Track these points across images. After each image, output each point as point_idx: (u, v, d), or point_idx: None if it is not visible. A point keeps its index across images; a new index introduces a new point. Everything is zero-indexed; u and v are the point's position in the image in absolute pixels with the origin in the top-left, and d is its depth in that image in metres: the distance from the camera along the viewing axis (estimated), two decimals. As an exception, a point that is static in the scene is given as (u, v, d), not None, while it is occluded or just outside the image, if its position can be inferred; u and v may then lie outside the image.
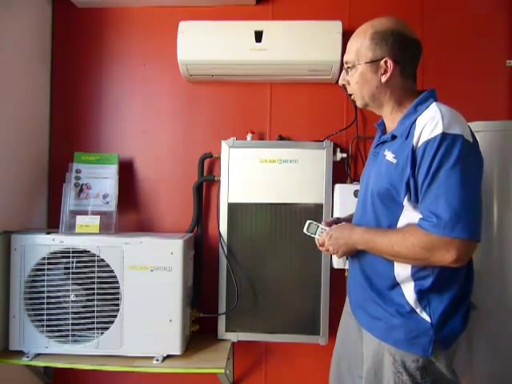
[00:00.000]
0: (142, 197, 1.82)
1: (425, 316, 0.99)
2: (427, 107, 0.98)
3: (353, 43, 1.08)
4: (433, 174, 0.91)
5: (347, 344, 1.22)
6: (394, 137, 1.04)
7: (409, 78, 1.05)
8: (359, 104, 1.12)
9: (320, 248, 1.19)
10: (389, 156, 1.01)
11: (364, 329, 1.11)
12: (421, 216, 0.95)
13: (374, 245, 1.03)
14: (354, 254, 1.12)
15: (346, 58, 1.09)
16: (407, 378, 0.99)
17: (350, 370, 1.20)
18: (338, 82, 1.21)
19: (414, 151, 0.94)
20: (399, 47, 1.01)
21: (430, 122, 0.93)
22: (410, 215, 0.98)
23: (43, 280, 1.46)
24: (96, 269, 1.45)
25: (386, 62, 1.02)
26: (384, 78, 1.03)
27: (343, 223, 1.18)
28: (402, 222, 1.00)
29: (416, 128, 0.96)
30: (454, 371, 1.04)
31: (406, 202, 0.98)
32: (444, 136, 0.90)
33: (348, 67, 1.09)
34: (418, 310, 0.99)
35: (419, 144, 0.94)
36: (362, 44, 1.04)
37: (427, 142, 0.92)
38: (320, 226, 1.17)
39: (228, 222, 1.66)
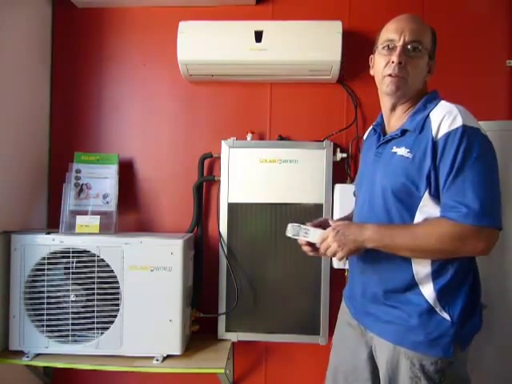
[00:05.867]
0: (142, 197, 1.82)
1: (445, 315, 0.96)
2: (436, 104, 1.01)
3: (422, 28, 1.04)
4: (458, 165, 0.92)
5: (344, 354, 1.18)
6: (403, 132, 1.04)
7: None
8: (399, 88, 1.04)
9: (306, 249, 1.14)
10: (401, 151, 1.01)
11: (375, 335, 1.07)
12: (441, 209, 0.95)
13: (391, 240, 0.97)
14: (359, 257, 1.08)
15: (419, 37, 1.02)
16: (425, 382, 0.96)
17: (347, 381, 1.16)
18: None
19: (434, 143, 0.95)
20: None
21: (448, 116, 0.95)
22: (428, 210, 0.97)
23: (43, 280, 1.46)
24: (96, 269, 1.45)
25: (434, 64, 1.09)
26: (428, 77, 1.08)
27: (346, 222, 1.10)
28: (418, 218, 0.98)
29: (432, 122, 0.98)
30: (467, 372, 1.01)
31: (426, 197, 0.97)
32: (465, 128, 0.93)
33: (417, 47, 1.02)
34: (437, 309, 0.97)
35: (439, 136, 0.95)
36: (428, 35, 1.06)
37: (448, 134, 0.94)
38: (302, 226, 1.13)
39: (228, 222, 1.66)
